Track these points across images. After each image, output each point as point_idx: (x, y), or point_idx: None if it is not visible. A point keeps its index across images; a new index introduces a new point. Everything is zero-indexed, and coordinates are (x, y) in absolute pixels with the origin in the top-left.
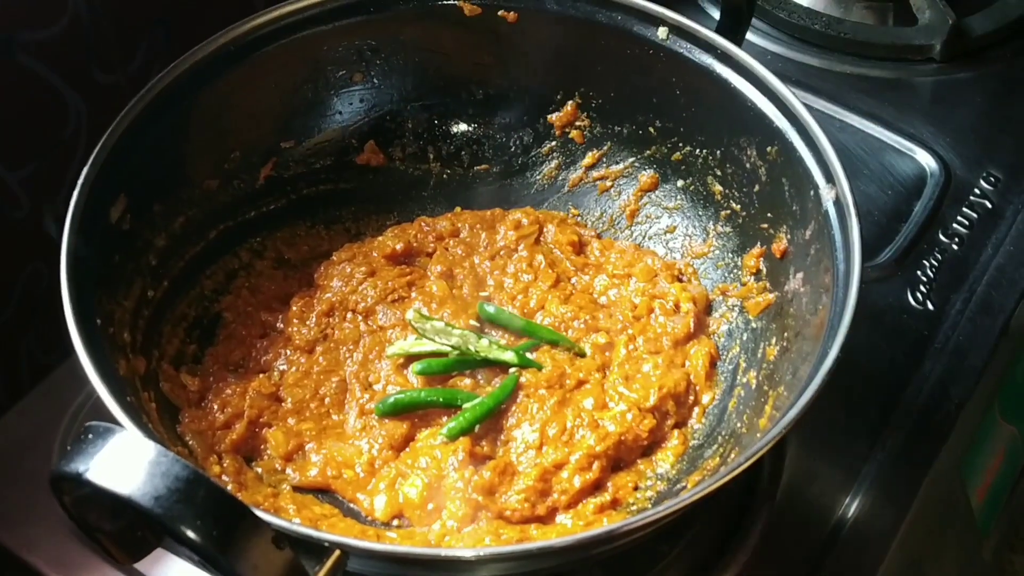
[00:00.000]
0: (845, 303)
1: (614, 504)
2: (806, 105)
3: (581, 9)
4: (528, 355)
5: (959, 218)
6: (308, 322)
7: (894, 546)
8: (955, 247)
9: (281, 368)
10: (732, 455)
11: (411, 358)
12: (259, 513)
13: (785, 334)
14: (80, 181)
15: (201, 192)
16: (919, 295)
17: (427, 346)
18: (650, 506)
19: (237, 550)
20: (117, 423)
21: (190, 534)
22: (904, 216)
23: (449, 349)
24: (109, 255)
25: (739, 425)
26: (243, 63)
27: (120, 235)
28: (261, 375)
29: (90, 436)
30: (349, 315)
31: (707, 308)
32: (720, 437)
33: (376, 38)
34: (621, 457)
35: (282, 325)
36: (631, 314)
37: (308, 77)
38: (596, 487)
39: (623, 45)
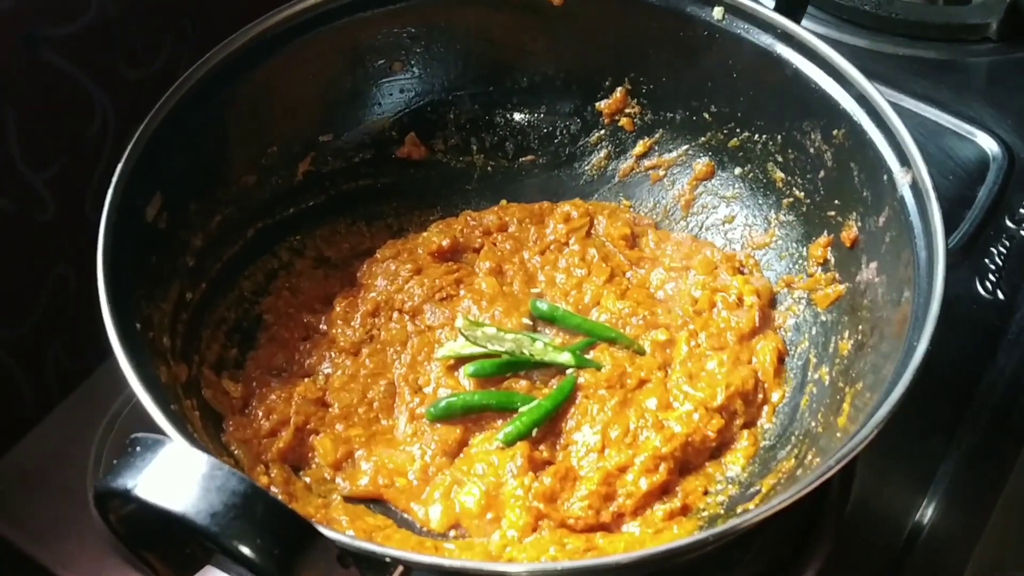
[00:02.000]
0: (931, 294)
1: (684, 510)
2: None
3: None
4: (585, 355)
5: None
6: (353, 323)
7: (976, 551)
8: (1023, 233)
9: (326, 371)
10: (809, 456)
11: (462, 359)
12: (321, 529)
13: (860, 327)
14: (114, 179)
15: (238, 189)
16: (988, 284)
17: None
18: (722, 511)
19: (300, 569)
20: (161, 434)
21: (249, 553)
22: (968, 202)
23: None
24: (146, 256)
25: (814, 424)
26: (279, 53)
27: (156, 235)
28: (306, 379)
29: (137, 449)
30: (395, 315)
31: (771, 301)
32: (794, 437)
33: (416, 25)
34: (688, 460)
35: (325, 327)
36: (691, 309)
37: (346, 67)
38: (663, 492)
39: (676, 27)
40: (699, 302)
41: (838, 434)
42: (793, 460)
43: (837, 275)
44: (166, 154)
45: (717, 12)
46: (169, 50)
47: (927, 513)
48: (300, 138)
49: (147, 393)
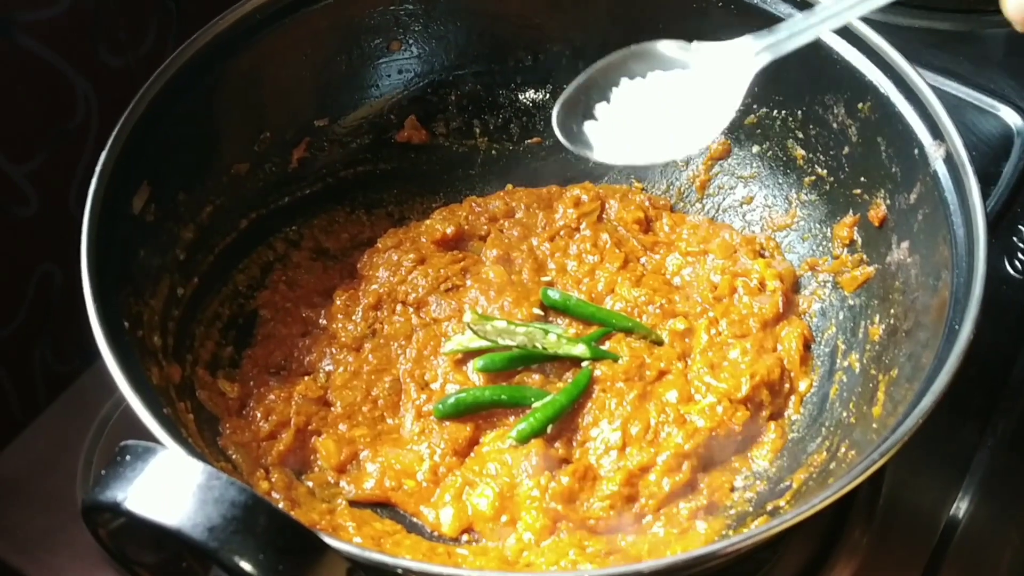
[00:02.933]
0: (972, 273)
1: (710, 509)
2: None
3: None
4: (600, 346)
5: None
6: (354, 317)
7: (1014, 542)
8: None
9: (327, 369)
10: (842, 449)
11: (471, 353)
12: (330, 541)
13: (892, 311)
14: (98, 169)
15: (230, 178)
16: (1017, 264)
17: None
18: (751, 509)
19: None
20: (153, 439)
21: (251, 570)
22: (993, 178)
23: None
24: (133, 250)
25: (846, 415)
26: (270, 34)
27: (144, 228)
28: (306, 378)
29: (127, 458)
30: (399, 308)
31: (795, 285)
32: (824, 428)
33: (414, 1)
34: (713, 455)
35: (325, 321)
36: (711, 295)
37: (341, 47)
38: (687, 488)
39: None
40: (719, 288)
41: (874, 425)
42: (825, 453)
43: (865, 256)
44: (152, 142)
45: None
46: (154, 35)
47: (964, 504)
48: (294, 123)
49: (137, 396)
